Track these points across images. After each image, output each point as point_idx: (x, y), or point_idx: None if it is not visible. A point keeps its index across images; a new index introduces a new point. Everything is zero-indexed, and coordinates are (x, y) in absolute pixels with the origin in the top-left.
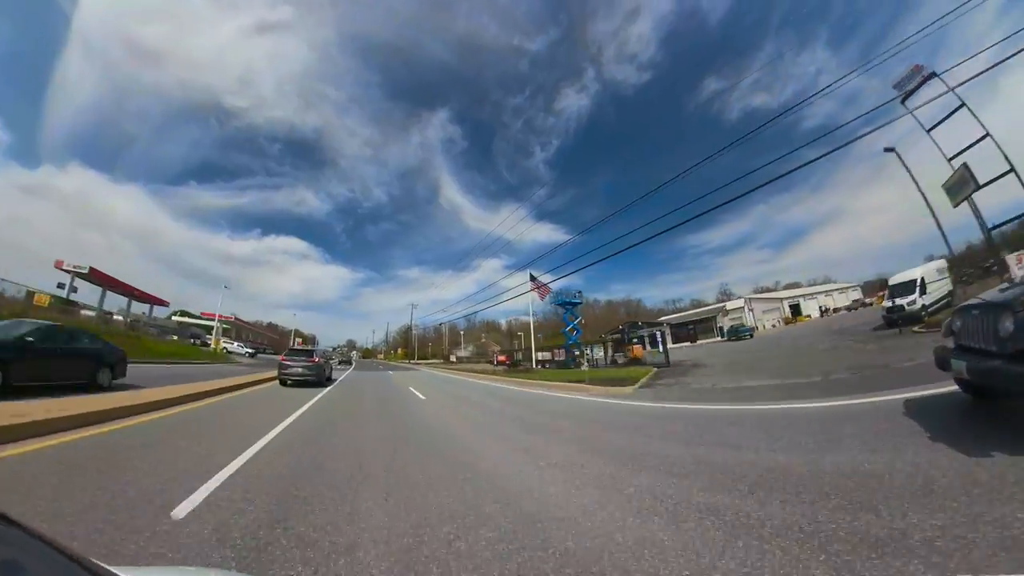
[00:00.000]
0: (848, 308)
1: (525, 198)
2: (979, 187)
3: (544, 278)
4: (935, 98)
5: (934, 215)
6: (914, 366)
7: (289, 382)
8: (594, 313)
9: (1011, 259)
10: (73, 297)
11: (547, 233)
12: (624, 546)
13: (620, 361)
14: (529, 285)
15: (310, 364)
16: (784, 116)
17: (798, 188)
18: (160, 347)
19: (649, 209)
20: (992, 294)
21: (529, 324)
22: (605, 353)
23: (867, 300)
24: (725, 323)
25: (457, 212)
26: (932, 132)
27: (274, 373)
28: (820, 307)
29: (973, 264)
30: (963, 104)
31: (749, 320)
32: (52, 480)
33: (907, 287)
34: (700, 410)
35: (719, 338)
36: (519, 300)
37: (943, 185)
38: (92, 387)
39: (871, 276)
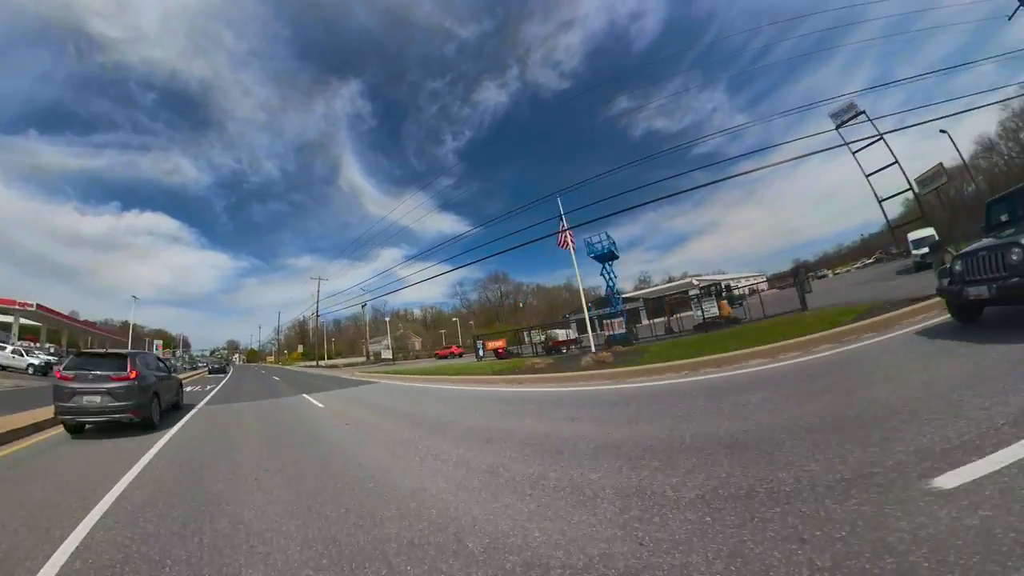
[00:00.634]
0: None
1: (430, 187)
2: (947, 182)
3: (437, 268)
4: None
5: (881, 205)
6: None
7: (81, 424)
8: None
9: (910, 235)
10: None
11: (451, 223)
12: None
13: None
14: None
15: (121, 385)
16: (679, 141)
17: (683, 202)
18: None
19: (552, 208)
20: (987, 242)
21: (434, 313)
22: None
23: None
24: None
25: (357, 195)
26: (857, 155)
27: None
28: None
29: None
30: (881, 136)
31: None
32: None
33: (924, 241)
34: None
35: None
36: (424, 291)
37: (917, 178)
38: None
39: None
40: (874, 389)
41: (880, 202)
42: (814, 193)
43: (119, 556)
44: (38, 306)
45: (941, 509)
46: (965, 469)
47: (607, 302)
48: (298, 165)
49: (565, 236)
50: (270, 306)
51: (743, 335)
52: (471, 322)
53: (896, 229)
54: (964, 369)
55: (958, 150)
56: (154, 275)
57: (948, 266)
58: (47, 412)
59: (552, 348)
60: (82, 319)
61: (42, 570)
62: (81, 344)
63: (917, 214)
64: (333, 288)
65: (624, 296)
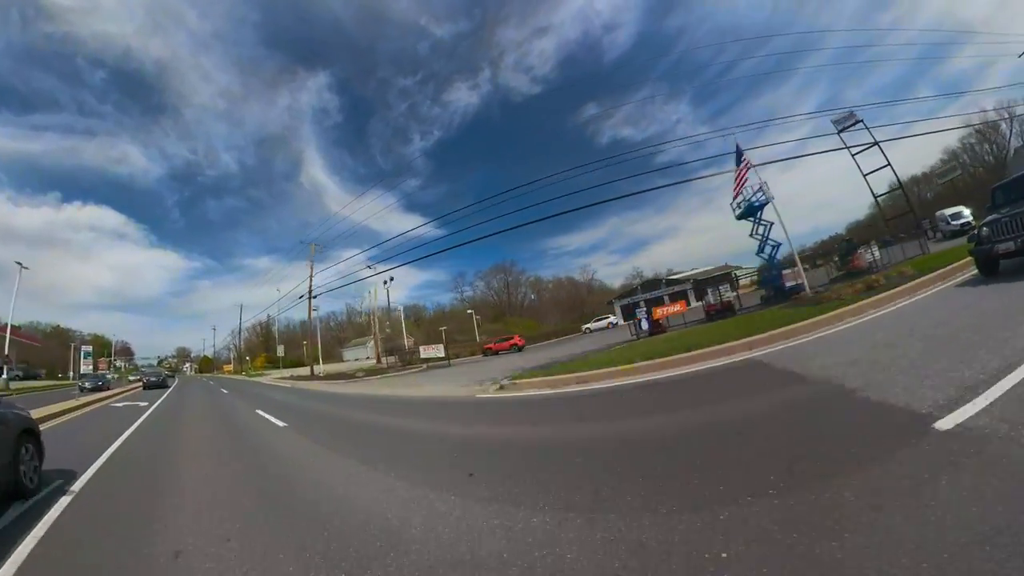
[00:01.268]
0: None
1: (396, 186)
2: (960, 174)
3: (399, 272)
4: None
5: (874, 197)
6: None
7: None
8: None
9: (939, 213)
10: None
11: (415, 223)
12: None
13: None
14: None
15: None
16: (643, 147)
17: (646, 207)
18: None
19: (517, 213)
20: (1005, 211)
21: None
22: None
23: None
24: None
25: (320, 194)
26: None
27: None
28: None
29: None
30: (877, 143)
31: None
32: None
33: (958, 215)
34: None
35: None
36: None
37: (937, 171)
38: None
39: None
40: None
41: (876, 198)
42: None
43: None
44: None
45: None
46: None
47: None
48: (258, 158)
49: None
50: (224, 311)
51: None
52: (477, 316)
53: (889, 221)
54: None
55: (894, 171)
56: (96, 276)
57: (977, 232)
58: None
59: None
60: None
61: None
62: None
63: (890, 212)
64: (295, 291)
65: (670, 278)
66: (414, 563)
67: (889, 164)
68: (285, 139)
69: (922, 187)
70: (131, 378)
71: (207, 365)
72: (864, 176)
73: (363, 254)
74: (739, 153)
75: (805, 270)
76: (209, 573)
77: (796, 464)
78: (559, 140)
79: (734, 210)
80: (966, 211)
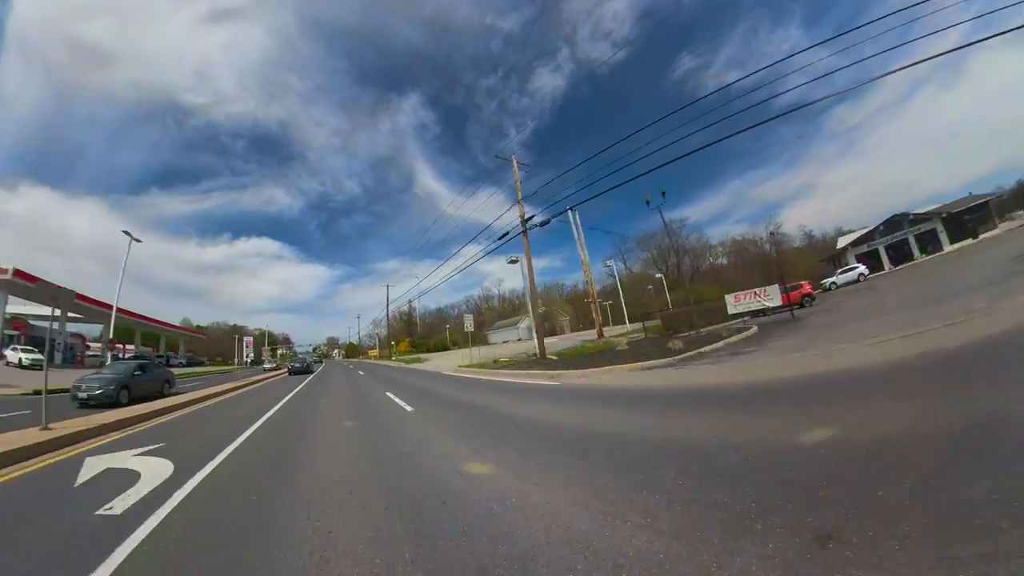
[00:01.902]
0: None
1: (502, 181)
2: None
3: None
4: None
5: None
6: None
7: None
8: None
9: None
10: None
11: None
12: None
13: None
14: None
15: None
16: (757, 92)
17: (771, 163)
18: None
19: (624, 187)
20: None
21: None
22: None
23: None
24: None
25: (433, 199)
26: None
27: None
28: None
29: None
30: None
31: None
32: None
33: None
34: None
35: None
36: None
37: None
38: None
39: None
40: None
41: None
42: (929, 135)
43: None
44: (16, 272)
45: None
46: None
47: None
48: (375, 179)
49: None
50: (363, 307)
51: None
52: (649, 286)
53: None
54: None
55: None
56: (264, 288)
57: None
58: None
59: None
60: (151, 317)
61: None
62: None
63: None
64: (422, 286)
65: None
66: None
67: None
68: (394, 158)
69: None
70: (265, 366)
71: (352, 351)
72: None
73: (478, 246)
74: None
75: None
76: None
77: None
78: (657, 103)
79: None
80: None
